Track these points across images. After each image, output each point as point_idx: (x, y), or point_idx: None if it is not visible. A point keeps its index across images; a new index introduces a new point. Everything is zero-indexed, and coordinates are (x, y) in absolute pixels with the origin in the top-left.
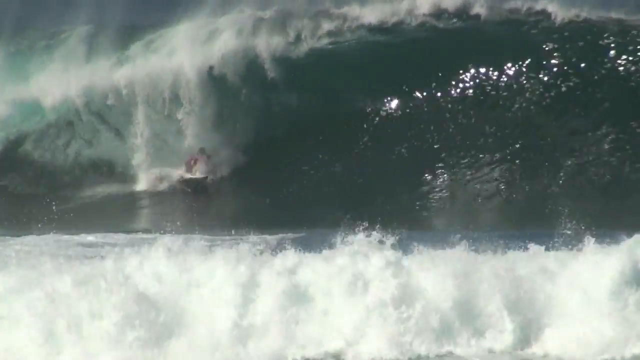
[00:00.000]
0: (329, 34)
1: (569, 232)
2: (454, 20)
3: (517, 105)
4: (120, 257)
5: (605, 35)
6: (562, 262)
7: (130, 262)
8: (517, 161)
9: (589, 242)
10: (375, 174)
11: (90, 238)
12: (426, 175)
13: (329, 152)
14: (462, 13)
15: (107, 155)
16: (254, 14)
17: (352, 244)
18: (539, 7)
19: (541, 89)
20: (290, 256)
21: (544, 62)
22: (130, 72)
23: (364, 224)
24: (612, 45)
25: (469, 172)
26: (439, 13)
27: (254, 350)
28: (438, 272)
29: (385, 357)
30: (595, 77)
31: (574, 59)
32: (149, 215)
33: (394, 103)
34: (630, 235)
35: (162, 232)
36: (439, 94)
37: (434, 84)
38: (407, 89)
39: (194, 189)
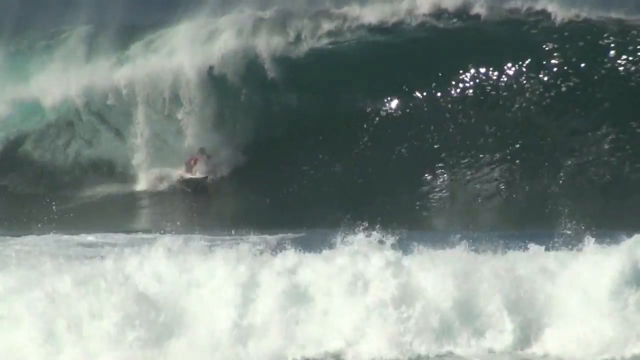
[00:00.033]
0: (329, 34)
1: (569, 232)
2: (454, 20)
3: (517, 105)
4: (120, 257)
5: (605, 35)
6: (562, 262)
7: (130, 262)
8: (517, 161)
9: (589, 242)
10: (375, 174)
11: (90, 238)
12: (426, 175)
13: (328, 152)
14: (462, 13)
15: (107, 155)
16: (254, 14)
17: (352, 244)
18: (538, 7)
19: (541, 89)
20: (290, 256)
21: (544, 62)
22: (130, 72)
23: (364, 224)
24: (612, 45)
25: (468, 172)
26: (439, 13)
27: (254, 350)
28: (438, 272)
29: (385, 357)
30: (595, 77)
31: (573, 59)
32: (149, 215)
33: (394, 103)
34: (630, 235)
35: (162, 232)
36: (439, 94)
37: (434, 84)
38: (407, 89)
39: (194, 189)
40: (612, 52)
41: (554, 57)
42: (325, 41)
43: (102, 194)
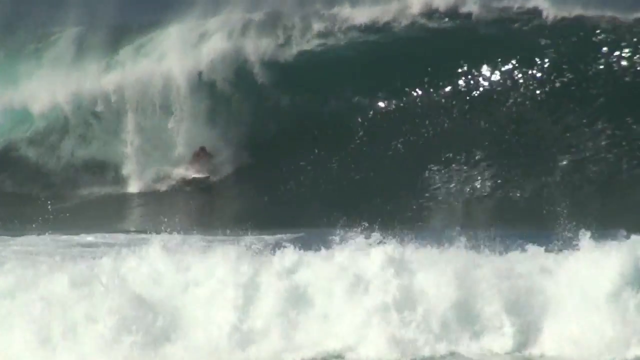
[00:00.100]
0: (320, 35)
1: (568, 232)
2: (446, 19)
3: (511, 103)
4: (117, 258)
5: (598, 31)
6: (561, 262)
7: (126, 263)
8: (513, 159)
9: (588, 242)
10: (371, 173)
11: (90, 238)
12: (422, 174)
13: (324, 153)
14: (453, 12)
15: (100, 158)
16: (244, 16)
17: (352, 244)
18: (530, 5)
19: (535, 86)
20: (289, 257)
21: (537, 60)
22: (119, 77)
23: (364, 224)
24: (605, 41)
25: (464, 171)
26: (430, 12)
27: (252, 353)
28: (438, 273)
29: (385, 358)
30: (590, 73)
31: (567, 56)
32: (148, 216)
33: (389, 102)
34: (629, 233)
35: (160, 232)
36: (432, 94)
37: (427, 83)
38: (401, 88)
39: (195, 189)
40: (605, 49)
41: (546, 54)
42: (316, 42)
43: (97, 194)
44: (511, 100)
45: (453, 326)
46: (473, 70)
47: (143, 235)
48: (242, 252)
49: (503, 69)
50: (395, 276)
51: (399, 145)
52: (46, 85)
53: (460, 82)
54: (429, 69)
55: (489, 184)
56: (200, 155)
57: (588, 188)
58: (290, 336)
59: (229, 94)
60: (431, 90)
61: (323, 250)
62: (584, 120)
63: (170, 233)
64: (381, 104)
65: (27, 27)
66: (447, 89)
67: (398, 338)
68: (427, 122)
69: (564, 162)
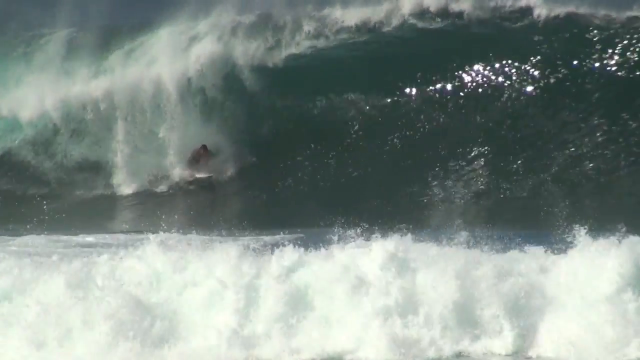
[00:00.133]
0: (312, 36)
1: (567, 231)
2: (438, 19)
3: (507, 102)
4: (113, 259)
5: (591, 28)
6: (561, 262)
7: (123, 264)
8: (512, 158)
9: (587, 242)
10: (371, 174)
11: (89, 239)
12: (419, 175)
13: (322, 154)
14: (445, 12)
15: (98, 158)
16: (235, 18)
17: (352, 243)
18: (522, 3)
19: (530, 84)
20: (289, 257)
21: (531, 57)
22: (108, 83)
23: (364, 224)
24: (598, 37)
25: (460, 171)
26: (422, 13)
27: (252, 355)
28: (438, 273)
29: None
30: (584, 70)
31: (560, 52)
32: (149, 216)
33: (387, 102)
34: (629, 231)
35: (159, 232)
36: (427, 93)
37: (420, 83)
38: (397, 88)
39: (197, 188)
40: (598, 45)
41: (539, 52)
42: (307, 44)
43: (97, 194)
44: (506, 98)
45: (453, 328)
46: (466, 69)
47: (142, 236)
48: (241, 252)
49: (496, 67)
50: (395, 277)
51: (396, 145)
52: (35, 92)
53: (454, 81)
54: (422, 68)
55: (484, 182)
56: (202, 154)
57: (586, 185)
58: (290, 338)
59: (223, 95)
60: (425, 89)
61: (323, 250)
62: (580, 117)
63: (169, 233)
64: (376, 104)
65: (17, 30)
66: (441, 88)
67: (398, 340)
68: (422, 121)
69: (561, 160)
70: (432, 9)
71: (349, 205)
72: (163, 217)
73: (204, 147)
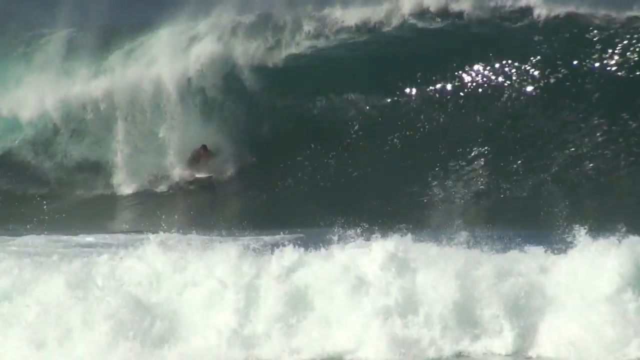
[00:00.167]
0: (312, 36)
1: (567, 231)
2: (438, 19)
3: (507, 101)
4: (113, 259)
5: (591, 28)
6: (561, 262)
7: (123, 264)
8: (512, 158)
9: (587, 241)
10: (371, 174)
11: (89, 239)
12: (418, 174)
13: (322, 153)
14: (445, 12)
15: (98, 158)
16: (235, 18)
17: (352, 243)
18: (522, 3)
19: (530, 84)
20: (288, 257)
21: (531, 57)
22: (108, 83)
23: (363, 223)
24: (599, 37)
25: (459, 171)
26: (422, 13)
27: (252, 356)
28: (438, 273)
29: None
30: (583, 70)
31: (560, 52)
32: (149, 216)
33: (388, 102)
34: (628, 231)
35: (158, 232)
36: (427, 93)
37: (421, 83)
38: (397, 87)
39: (197, 188)
40: (598, 45)
41: (540, 52)
42: (307, 44)
43: (97, 194)
44: (506, 98)
45: (453, 328)
46: (466, 69)
47: (142, 236)
48: (241, 252)
49: (496, 67)
50: (395, 277)
51: (396, 145)
52: (35, 92)
53: (454, 81)
54: (422, 68)
55: (484, 182)
56: (202, 153)
57: (586, 185)
58: (290, 338)
59: (223, 95)
60: (425, 89)
61: (323, 250)
62: (580, 117)
63: (169, 233)
64: (376, 104)
65: (17, 30)
66: (441, 88)
67: (398, 340)
68: (422, 121)
69: (561, 159)
70: (432, 9)
71: (349, 205)
72: (163, 217)
73: (204, 147)
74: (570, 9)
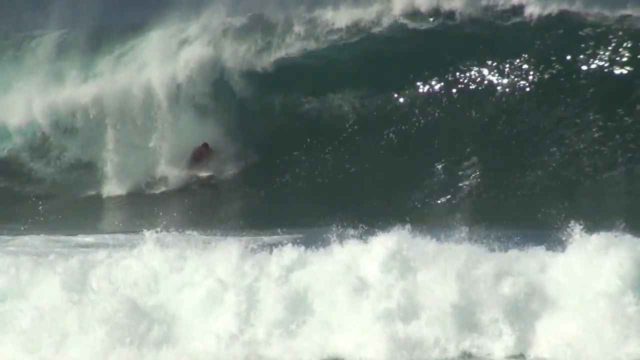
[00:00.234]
0: (303, 37)
1: (566, 231)
2: (430, 19)
3: (502, 100)
4: (110, 261)
5: (584, 25)
6: (559, 261)
7: (120, 265)
8: (509, 156)
9: (586, 242)
10: (369, 173)
11: (88, 239)
12: (417, 176)
13: (321, 153)
14: (437, 11)
15: (88, 158)
16: (226, 20)
17: (352, 244)
18: (515, 1)
19: (524, 83)
20: (288, 258)
21: (524, 54)
22: (98, 90)
23: (364, 223)
24: (592, 34)
25: (458, 169)
26: (413, 13)
27: (252, 355)
28: (438, 274)
29: None
30: (578, 68)
31: (553, 49)
32: (149, 216)
33: (384, 101)
34: (626, 230)
35: (157, 232)
36: (421, 92)
37: (415, 82)
38: (393, 86)
39: (198, 188)
40: (592, 42)
41: (533, 48)
42: (298, 45)
43: (97, 194)
44: (501, 97)
45: (453, 329)
46: (459, 68)
47: (141, 236)
48: (240, 252)
49: (490, 65)
50: (395, 277)
51: (394, 145)
52: (22, 99)
53: (448, 80)
54: (415, 68)
55: (481, 181)
56: (204, 152)
57: (584, 184)
58: (290, 340)
59: (220, 96)
60: (419, 89)
61: (323, 250)
62: (578, 115)
63: (168, 232)
64: (375, 104)
65: (8, 30)
66: (436, 87)
67: (398, 341)
68: (418, 121)
69: (560, 158)
70: (424, 8)
71: (349, 205)
72: (161, 216)
73: (206, 145)
74: (563, 6)
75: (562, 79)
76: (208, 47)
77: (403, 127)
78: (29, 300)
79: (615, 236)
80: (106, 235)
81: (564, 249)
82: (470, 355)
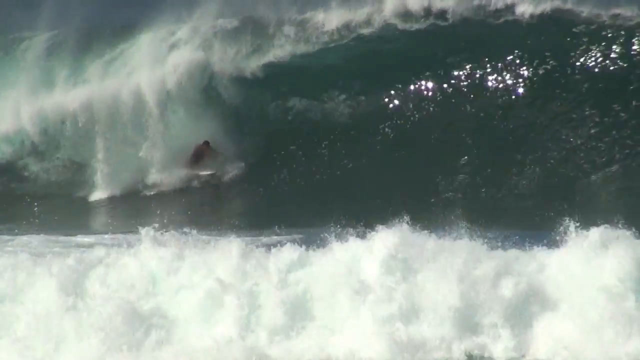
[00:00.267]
0: (294, 40)
1: (566, 231)
2: (422, 19)
3: (498, 99)
4: (108, 261)
5: (577, 23)
6: (558, 260)
7: (117, 267)
8: (508, 158)
9: (581, 239)
10: (368, 173)
11: (88, 239)
12: (414, 176)
13: (315, 153)
14: (428, 11)
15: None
16: (216, 23)
17: (352, 244)
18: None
19: (525, 82)
20: (288, 259)
21: (517, 51)
22: (87, 97)
23: (363, 223)
24: (586, 32)
25: (455, 169)
26: (405, 13)
27: (252, 355)
28: (438, 275)
29: None
30: (571, 65)
31: (547, 46)
32: (149, 216)
33: (382, 100)
34: (627, 230)
35: (155, 232)
36: (417, 93)
37: (411, 82)
38: (389, 85)
39: (198, 187)
40: (585, 39)
41: (525, 47)
42: (289, 48)
43: (98, 194)
44: (495, 96)
45: (453, 330)
46: (453, 66)
47: (140, 236)
48: (240, 252)
49: (484, 65)
50: (394, 277)
51: (392, 145)
52: (10, 106)
53: (441, 79)
54: (409, 68)
55: (475, 179)
56: (205, 149)
57: (583, 184)
58: (290, 342)
59: (216, 96)
60: (413, 89)
61: (323, 250)
62: (571, 110)
63: (167, 232)
64: (367, 104)
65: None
66: (429, 86)
67: (399, 342)
68: (412, 121)
69: (559, 157)
70: (415, 8)
71: (347, 204)
72: (160, 216)
73: (207, 143)
74: (556, 4)
75: (556, 75)
76: (198, 50)
77: (397, 127)
78: (25, 301)
79: (614, 234)
80: (105, 236)
81: (561, 247)
82: (470, 356)
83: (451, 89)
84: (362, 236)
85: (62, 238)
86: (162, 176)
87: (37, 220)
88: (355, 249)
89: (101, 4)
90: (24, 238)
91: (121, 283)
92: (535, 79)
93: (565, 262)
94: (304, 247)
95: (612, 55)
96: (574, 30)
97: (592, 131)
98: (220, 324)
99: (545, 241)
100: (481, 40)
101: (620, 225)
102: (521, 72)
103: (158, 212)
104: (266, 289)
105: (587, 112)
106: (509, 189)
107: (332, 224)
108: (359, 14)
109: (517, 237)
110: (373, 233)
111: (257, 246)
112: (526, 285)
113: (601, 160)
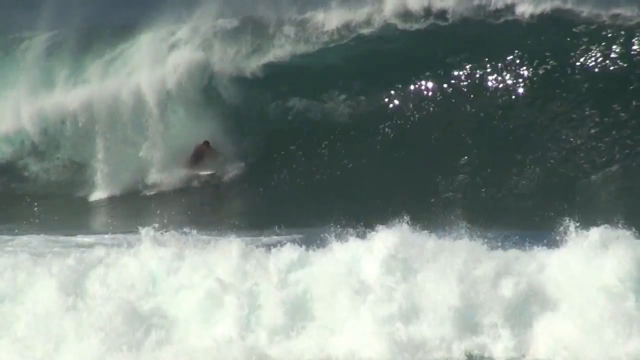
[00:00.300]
0: (294, 40)
1: (562, 229)
2: (422, 19)
3: (497, 97)
4: (108, 261)
5: (578, 23)
6: (558, 260)
7: (117, 267)
8: (508, 158)
9: (585, 242)
10: (368, 173)
11: (88, 239)
12: (413, 176)
13: (315, 153)
14: (428, 11)
15: (85, 159)
16: (215, 24)
17: (352, 244)
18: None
19: (525, 83)
20: (288, 259)
21: (517, 51)
22: (87, 97)
23: (363, 223)
24: (586, 32)
25: (455, 169)
26: (405, 13)
27: (252, 354)
28: (438, 275)
29: None
30: (571, 65)
31: (547, 46)
32: (146, 217)
33: (381, 100)
34: (627, 230)
35: (155, 233)
36: (416, 93)
37: (411, 82)
38: (388, 85)
39: (198, 187)
40: (585, 39)
41: (525, 47)
42: (289, 48)
43: (97, 194)
44: (495, 97)
45: (453, 330)
46: (453, 66)
47: (139, 236)
48: (240, 252)
49: (484, 65)
50: (394, 277)
51: (392, 145)
52: (10, 107)
53: (441, 79)
54: (408, 68)
55: (475, 179)
56: (205, 149)
57: (583, 184)
58: (290, 342)
59: (215, 97)
60: (413, 88)
61: (323, 250)
62: (571, 110)
63: (166, 232)
64: (367, 104)
65: None
66: (429, 86)
67: (399, 342)
68: (411, 120)
69: (558, 156)
70: (415, 8)
71: (347, 204)
72: (160, 216)
73: (207, 142)
74: (556, 4)
75: (556, 75)
76: (198, 50)
77: (397, 127)
78: (25, 300)
79: (614, 234)
80: (105, 236)
81: (561, 247)
82: (470, 356)
83: (451, 89)
84: (362, 236)
85: (62, 238)
86: (162, 176)
87: (37, 220)
88: (355, 249)
89: (101, 4)
90: (24, 238)
91: (121, 283)
92: (535, 79)
93: (565, 262)
94: (304, 247)
95: (612, 55)
96: (574, 30)
97: (592, 131)
98: (220, 324)
99: (545, 241)
100: (481, 40)
101: (620, 225)
102: (521, 72)
103: (158, 212)
104: (266, 289)
105: (587, 112)
106: (509, 189)
107: (332, 224)
108: (359, 14)
109: (517, 237)
110: (373, 233)
111: (257, 246)
112: (526, 285)
113: (601, 160)
